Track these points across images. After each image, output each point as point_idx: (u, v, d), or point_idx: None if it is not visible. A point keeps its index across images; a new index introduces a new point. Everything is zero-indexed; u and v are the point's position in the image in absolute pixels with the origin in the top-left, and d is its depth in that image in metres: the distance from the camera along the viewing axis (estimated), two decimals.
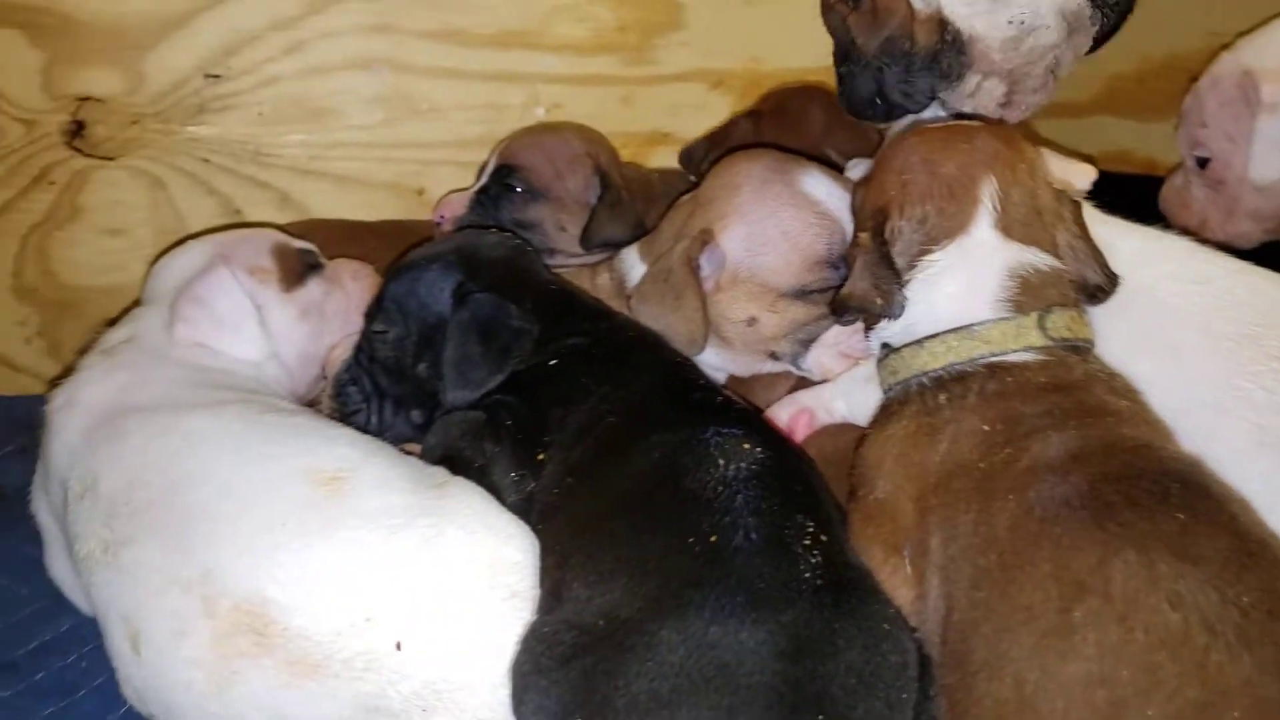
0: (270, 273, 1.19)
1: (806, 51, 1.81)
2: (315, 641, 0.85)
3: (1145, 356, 0.95)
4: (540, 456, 0.98)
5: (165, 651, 0.87)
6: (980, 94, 1.21)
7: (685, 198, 1.26)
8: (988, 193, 0.94)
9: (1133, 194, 1.46)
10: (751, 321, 1.17)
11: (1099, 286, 0.95)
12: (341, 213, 1.66)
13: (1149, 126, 1.68)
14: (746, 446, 0.88)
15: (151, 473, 0.93)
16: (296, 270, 1.22)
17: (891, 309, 0.95)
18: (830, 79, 1.75)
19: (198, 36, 1.52)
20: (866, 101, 1.28)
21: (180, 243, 1.30)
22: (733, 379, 1.28)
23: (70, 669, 1.03)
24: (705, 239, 1.15)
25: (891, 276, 0.95)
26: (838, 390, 1.13)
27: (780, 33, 1.79)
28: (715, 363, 1.24)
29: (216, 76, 1.55)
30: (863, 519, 0.90)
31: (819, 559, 0.80)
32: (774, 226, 1.14)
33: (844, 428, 1.12)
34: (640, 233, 1.38)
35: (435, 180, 1.68)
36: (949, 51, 1.19)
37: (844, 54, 1.31)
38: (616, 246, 1.38)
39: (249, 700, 0.86)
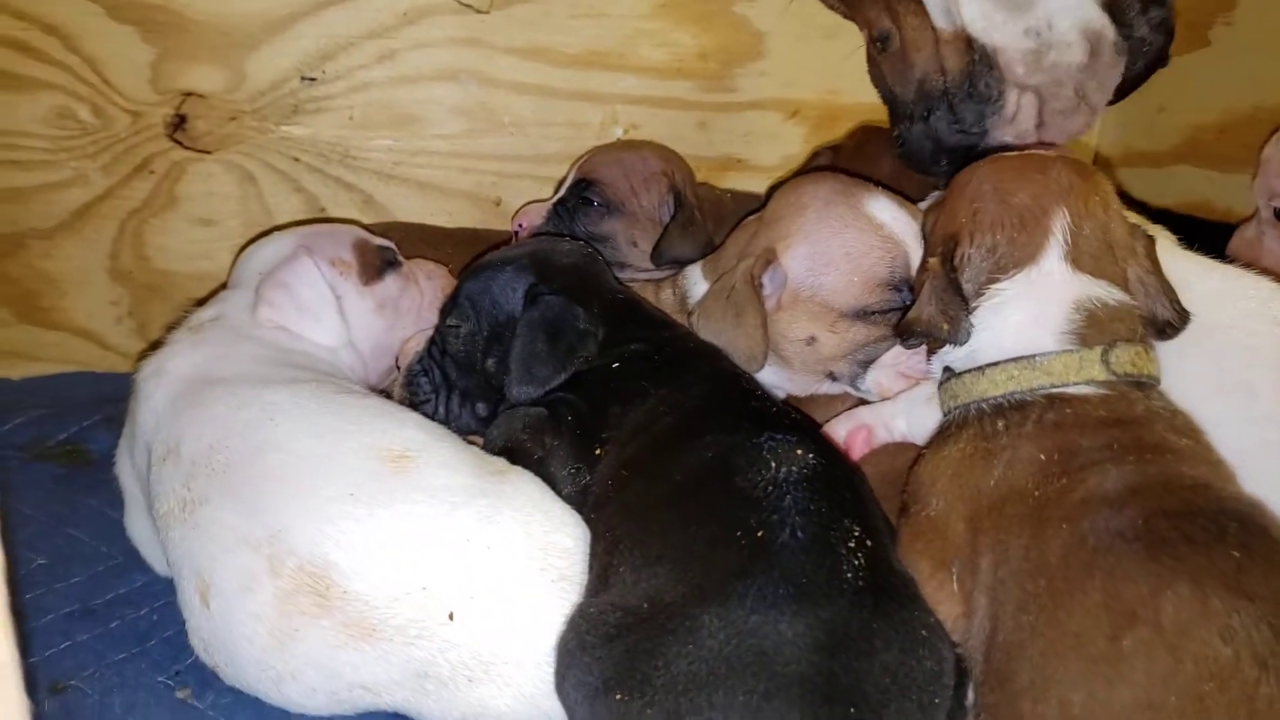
0: (350, 265, 1.25)
1: None
2: (372, 606, 0.89)
3: (1219, 395, 0.95)
4: (597, 452, 1.01)
5: (232, 605, 0.92)
6: (1021, 113, 1.22)
7: (751, 217, 1.29)
8: (1059, 224, 0.95)
9: (1205, 240, 1.47)
10: (811, 341, 1.19)
11: (1168, 323, 0.95)
12: (421, 217, 1.72)
13: (1229, 177, 1.67)
14: (799, 452, 0.90)
15: (231, 438, 0.98)
16: (375, 265, 1.28)
17: (957, 335, 0.96)
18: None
19: (297, 40, 1.59)
20: (928, 158, 1.29)
21: (267, 233, 1.36)
22: (790, 399, 1.30)
23: (143, 620, 1.08)
24: (769, 258, 1.17)
25: (959, 303, 0.96)
26: (899, 409, 1.14)
27: (858, 66, 1.81)
28: (773, 381, 1.26)
29: (312, 79, 1.62)
30: (913, 534, 0.92)
31: (862, 562, 0.81)
32: (837, 247, 1.16)
33: (902, 447, 1.12)
34: (709, 252, 1.41)
35: (512, 192, 1.73)
36: (981, 69, 1.20)
37: (893, 112, 1.32)
38: (685, 264, 1.41)
39: (306, 657, 0.90)
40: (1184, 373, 0.96)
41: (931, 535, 0.90)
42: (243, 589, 0.91)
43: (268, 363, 1.09)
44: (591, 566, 0.92)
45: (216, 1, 1.55)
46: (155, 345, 1.19)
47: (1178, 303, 0.96)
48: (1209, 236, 1.44)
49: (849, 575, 0.80)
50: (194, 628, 0.96)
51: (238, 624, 0.91)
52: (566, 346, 1.10)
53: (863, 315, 1.16)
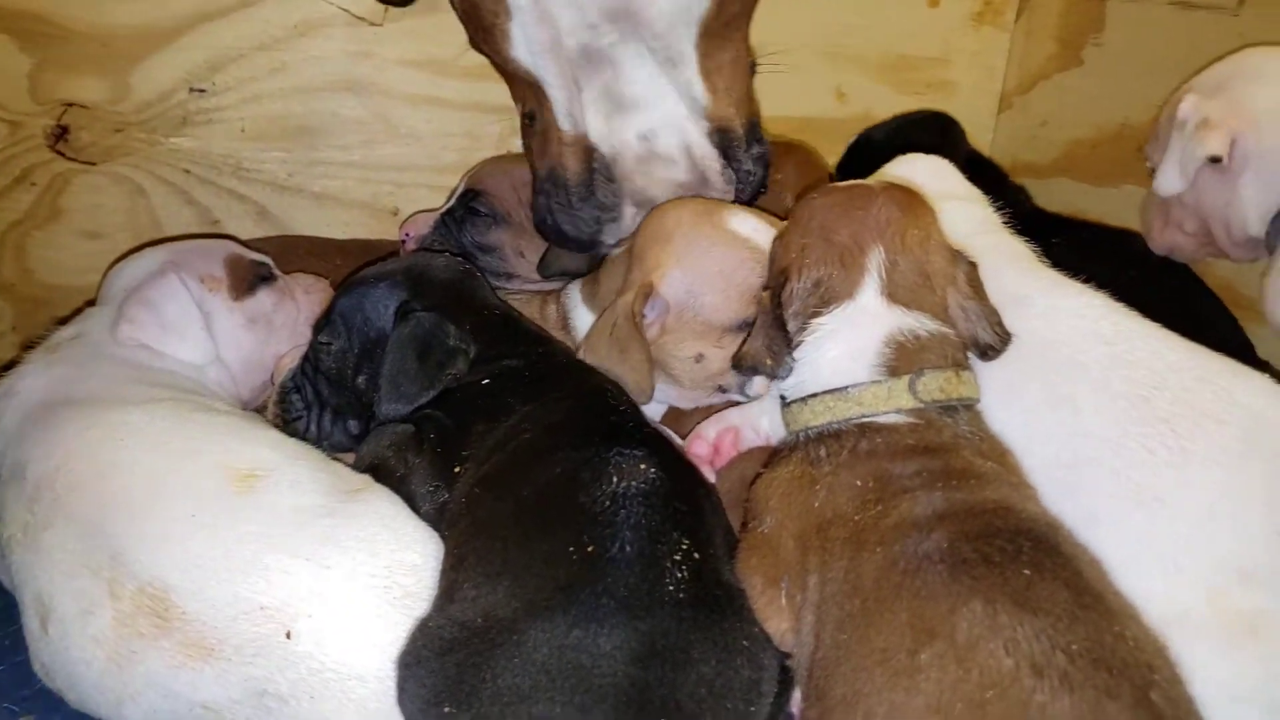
0: (221, 281, 1.24)
1: (780, 99, 1.88)
2: (210, 626, 0.89)
3: (1049, 410, 0.98)
4: (456, 470, 1.02)
5: (71, 630, 0.91)
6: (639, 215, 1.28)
7: (618, 251, 1.30)
8: (874, 261, 0.98)
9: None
10: (699, 358, 1.21)
11: (989, 345, 0.99)
12: (318, 229, 1.72)
13: (1102, 191, 1.73)
14: (643, 467, 0.92)
15: (75, 461, 0.97)
16: (247, 280, 1.28)
17: (779, 370, 0.99)
18: (800, 127, 1.83)
19: (184, 51, 1.58)
20: (554, 239, 1.33)
21: (140, 249, 1.35)
22: (676, 412, 1.32)
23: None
24: (646, 290, 1.18)
25: (782, 339, 0.99)
26: (764, 408, 1.17)
27: (756, 80, 1.85)
28: (666, 399, 1.29)
29: (201, 91, 1.61)
30: (748, 549, 0.94)
31: (686, 575, 0.84)
32: (709, 266, 1.18)
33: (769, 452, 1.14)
34: (595, 265, 1.43)
35: (410, 202, 1.73)
36: (600, 178, 1.25)
37: (533, 184, 1.35)
38: (573, 276, 1.43)
39: (145, 679, 0.90)
40: (1020, 388, 1.00)
41: (764, 551, 0.92)
42: (82, 613, 0.91)
43: (124, 382, 1.08)
44: (440, 582, 0.93)
45: (98, 12, 1.53)
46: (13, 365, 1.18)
47: (999, 325, 0.99)
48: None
49: (671, 588, 0.82)
50: (35, 652, 0.95)
51: (76, 648, 0.91)
52: (435, 363, 1.11)
53: (744, 327, 1.18)
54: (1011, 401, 0.99)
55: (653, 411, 1.30)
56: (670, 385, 1.24)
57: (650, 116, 1.25)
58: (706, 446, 1.17)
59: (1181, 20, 1.58)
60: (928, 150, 1.28)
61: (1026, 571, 0.79)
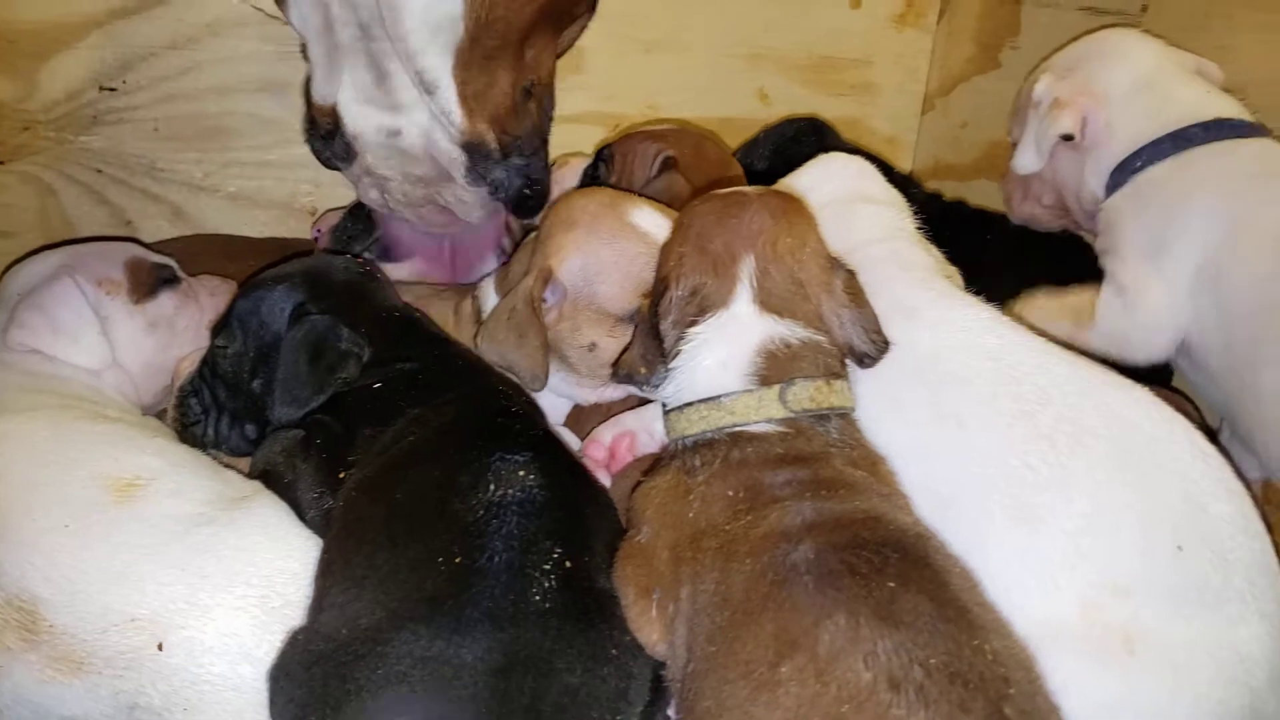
0: (120, 285, 1.23)
1: (700, 100, 1.89)
2: (79, 639, 0.89)
3: (935, 424, 0.98)
4: (341, 475, 1.02)
5: None
6: (360, 186, 1.39)
7: (531, 235, 1.31)
8: (746, 270, 0.97)
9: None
10: (593, 347, 1.22)
11: (865, 353, 0.99)
12: (234, 228, 1.71)
13: None
14: (522, 473, 0.92)
15: None
16: (148, 284, 1.27)
17: (652, 379, 1.00)
18: (721, 128, 1.83)
19: (95, 49, 1.56)
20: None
21: (48, 248, 1.34)
22: (579, 413, 1.33)
23: None
24: (545, 275, 1.19)
25: (656, 348, 1.00)
26: (658, 412, 1.17)
27: (675, 81, 1.86)
28: (564, 390, 1.29)
29: (112, 89, 1.59)
30: (624, 559, 0.94)
31: (555, 584, 0.84)
32: (607, 257, 1.19)
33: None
34: (506, 259, 1.43)
35: (329, 202, 1.72)
36: (340, 144, 1.33)
37: None
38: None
39: (13, 694, 0.89)
40: (906, 400, 1.00)
41: (639, 561, 0.93)
42: None
43: (9, 389, 1.07)
44: (313, 590, 0.93)
45: (3, 8, 1.50)
46: None
47: (876, 333, 0.99)
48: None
49: (537, 598, 0.83)
50: None
51: None
52: (327, 367, 1.11)
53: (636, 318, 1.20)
54: (898, 413, 0.99)
55: (557, 411, 1.31)
56: (568, 374, 1.25)
57: (398, 119, 1.29)
58: (602, 451, 1.17)
59: (1090, 25, 1.61)
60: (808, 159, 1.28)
61: (891, 584, 0.80)
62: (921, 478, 0.95)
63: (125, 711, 0.89)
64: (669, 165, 1.47)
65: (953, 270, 1.20)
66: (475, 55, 1.21)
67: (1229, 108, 1.29)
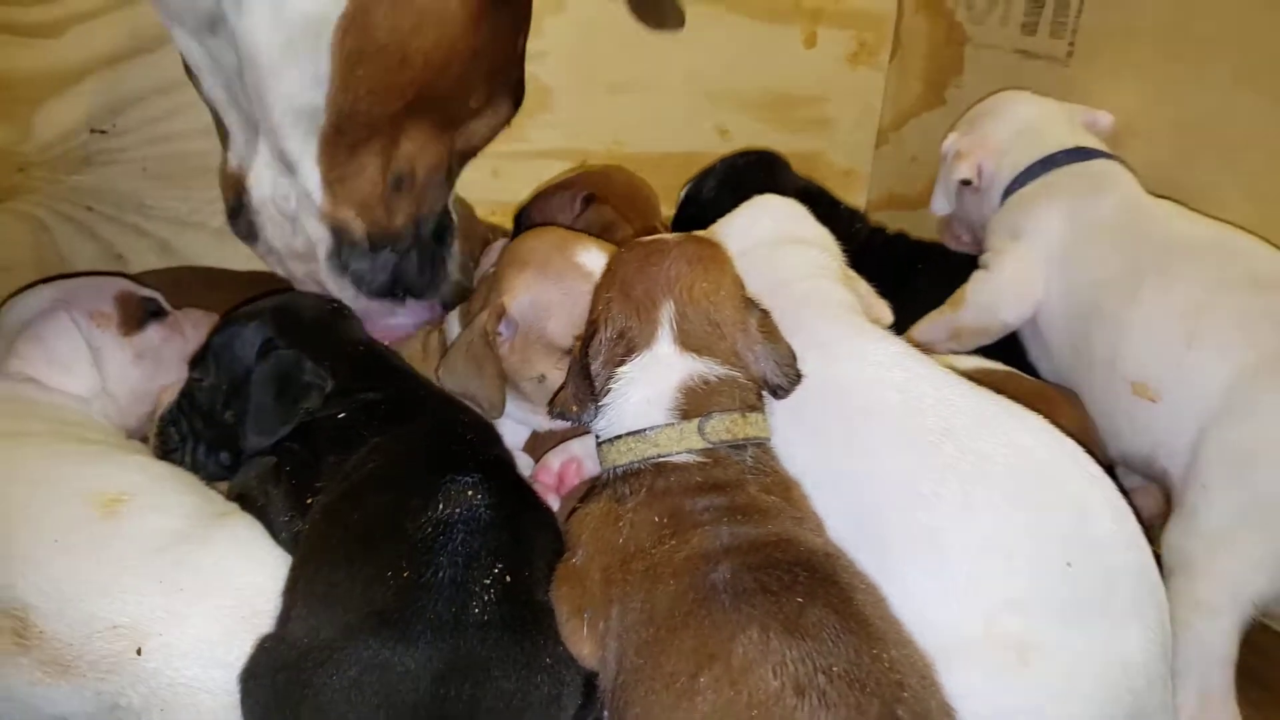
0: (110, 318, 1.32)
1: (663, 137, 1.98)
2: (66, 644, 0.96)
3: (848, 455, 1.05)
4: (309, 500, 1.10)
5: None
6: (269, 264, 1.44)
7: (491, 272, 1.40)
8: (666, 314, 1.05)
9: None
10: (542, 379, 1.30)
11: (779, 385, 1.07)
12: (219, 262, 1.80)
13: None
14: (470, 494, 1.00)
15: None
16: (137, 317, 1.35)
17: (584, 416, 1.08)
18: (684, 162, 1.93)
19: (86, 95, 1.66)
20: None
21: (41, 283, 1.42)
22: (537, 437, 1.41)
23: None
24: (499, 311, 1.28)
25: (587, 387, 1.07)
26: None
27: (640, 118, 1.96)
28: (520, 418, 1.38)
29: (102, 132, 1.68)
30: (560, 579, 1.01)
31: (494, 598, 0.93)
32: (555, 295, 1.27)
33: None
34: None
35: None
36: (243, 211, 1.35)
37: None
38: (449, 307, 1.52)
39: (5, 693, 0.97)
40: (824, 432, 1.07)
41: (573, 583, 1.00)
42: None
43: (4, 415, 1.16)
44: (281, 603, 1.01)
45: (0, 57, 1.61)
46: None
47: (789, 367, 1.07)
48: None
49: (477, 611, 0.91)
50: None
51: None
52: (291, 399, 1.19)
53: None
54: (816, 445, 1.06)
55: (517, 437, 1.39)
56: (522, 402, 1.33)
57: (277, 188, 1.31)
58: (551, 475, 1.25)
59: (1024, 66, 1.72)
60: (758, 189, 1.38)
61: (799, 599, 0.87)
62: (837, 503, 1.02)
63: (107, 711, 0.97)
64: (590, 201, 1.57)
65: (882, 303, 1.29)
66: (341, 143, 1.24)
67: (1088, 139, 1.51)
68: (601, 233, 1.50)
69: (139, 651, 0.96)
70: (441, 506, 0.98)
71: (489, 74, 1.22)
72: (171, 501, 1.07)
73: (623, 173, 1.72)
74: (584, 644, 0.97)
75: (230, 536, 1.06)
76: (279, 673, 0.91)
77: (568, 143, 1.93)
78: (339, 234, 1.33)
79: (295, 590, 0.99)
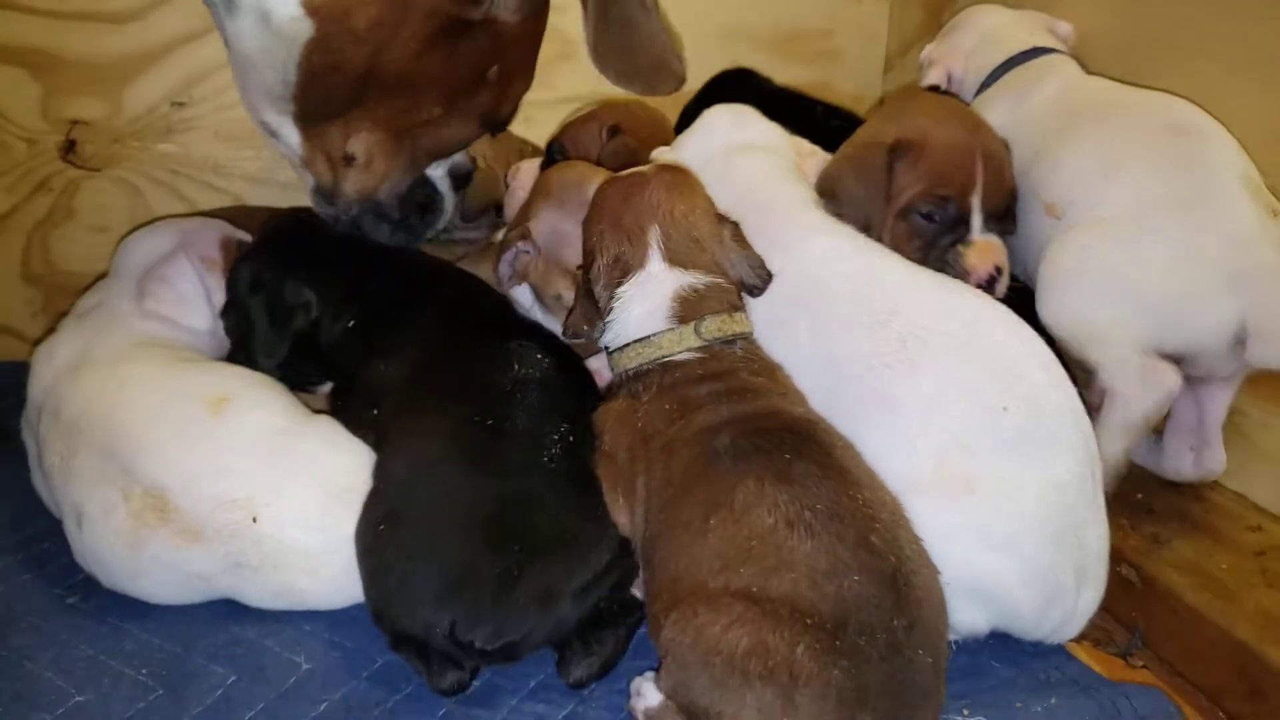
0: (216, 263, 1.54)
1: None
2: (197, 515, 1.20)
3: (812, 340, 1.24)
4: (375, 412, 1.31)
5: (97, 526, 1.23)
6: None
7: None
8: (654, 236, 1.24)
9: None
10: (558, 297, 1.49)
11: (754, 285, 1.26)
12: None
13: None
14: (538, 356, 1.25)
15: (94, 405, 1.29)
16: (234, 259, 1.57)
17: (594, 333, 1.27)
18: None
19: (166, 72, 1.87)
20: None
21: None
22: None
23: (45, 552, 1.38)
24: (523, 233, 1.49)
25: (594, 309, 1.26)
26: None
27: None
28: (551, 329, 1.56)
29: (181, 104, 1.90)
30: (596, 461, 1.22)
31: (559, 451, 1.18)
32: (569, 225, 1.44)
33: None
34: None
35: None
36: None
37: None
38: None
39: (153, 558, 1.21)
40: (791, 323, 1.26)
41: (607, 464, 1.20)
42: (104, 513, 1.22)
43: (132, 344, 1.39)
44: (380, 461, 1.25)
45: (93, 44, 1.82)
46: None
47: (760, 269, 1.25)
48: None
49: (544, 460, 1.16)
50: (74, 548, 1.27)
51: (101, 539, 1.23)
52: (280, 322, 1.42)
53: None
54: (785, 335, 1.26)
55: None
56: (548, 317, 1.52)
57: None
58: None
59: None
60: (733, 98, 1.57)
61: (787, 455, 1.07)
62: (810, 381, 1.22)
63: (232, 569, 1.21)
64: (615, 131, 1.75)
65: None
66: (306, 121, 1.36)
67: (1045, 40, 1.66)
68: (625, 159, 1.68)
69: (254, 520, 1.19)
70: (517, 366, 1.22)
71: (444, 96, 1.36)
72: (267, 399, 1.30)
73: (641, 105, 1.88)
74: (621, 513, 1.18)
75: (318, 430, 1.28)
76: (369, 510, 1.17)
77: (592, 87, 2.06)
78: (321, 190, 1.47)
79: (390, 442, 1.24)
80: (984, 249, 1.43)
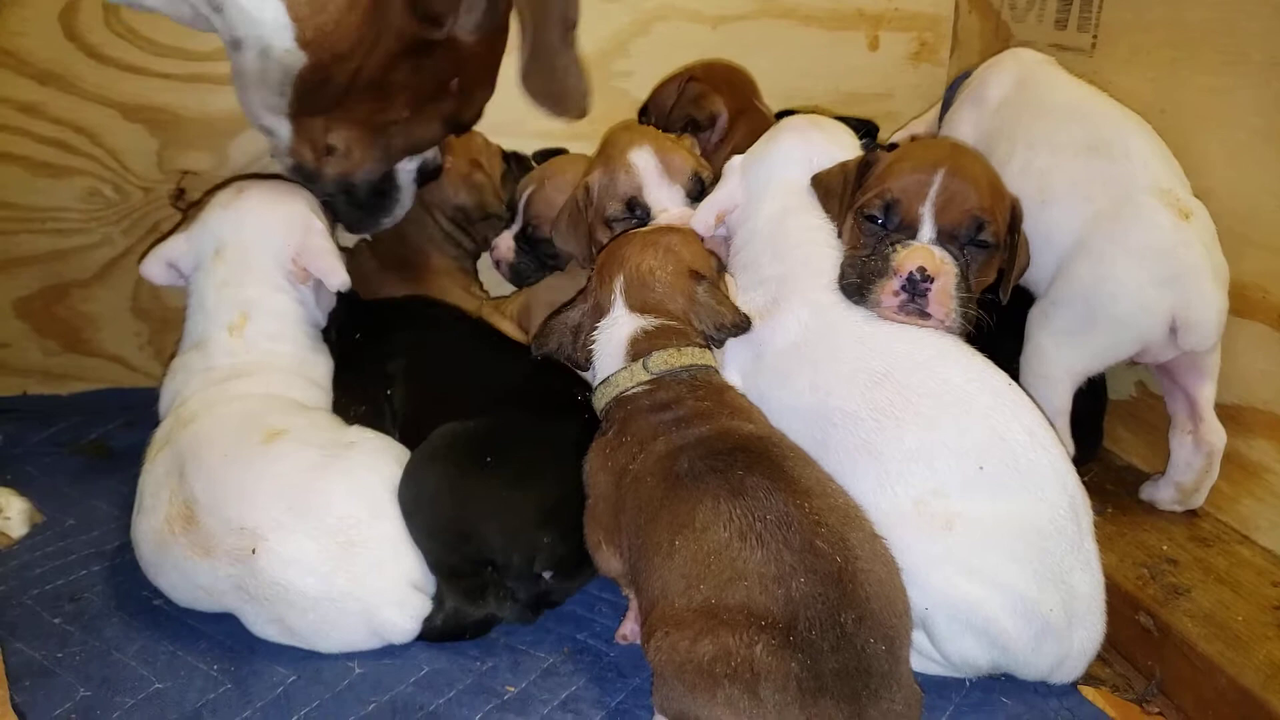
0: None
1: None
2: (211, 534, 1.30)
3: (811, 392, 1.35)
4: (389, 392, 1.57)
5: (143, 520, 1.38)
6: None
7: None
8: (619, 285, 1.38)
9: None
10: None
11: (713, 337, 1.37)
12: None
13: None
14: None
15: (189, 418, 1.43)
16: None
17: (584, 365, 1.42)
18: None
19: None
20: None
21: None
22: None
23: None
24: (586, 185, 1.72)
25: (578, 344, 1.42)
26: None
27: None
28: None
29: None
30: (585, 522, 1.33)
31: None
32: (606, 180, 1.72)
33: None
34: None
35: None
36: None
37: None
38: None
39: (171, 560, 1.34)
40: (794, 375, 1.38)
41: (592, 522, 1.32)
42: (150, 509, 1.37)
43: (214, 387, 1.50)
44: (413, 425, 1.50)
45: (203, 102, 2.03)
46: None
47: (721, 324, 1.37)
48: None
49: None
50: (131, 531, 1.42)
51: (141, 532, 1.38)
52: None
53: (609, 222, 1.70)
54: (787, 385, 1.37)
55: None
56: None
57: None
58: None
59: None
60: None
61: (740, 472, 1.16)
62: (807, 428, 1.31)
63: (235, 590, 1.30)
64: (689, 82, 1.98)
65: None
66: (296, 121, 1.52)
67: None
68: (694, 102, 1.95)
69: (254, 551, 1.28)
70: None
71: (412, 101, 1.52)
72: (312, 435, 1.38)
73: (725, 64, 2.10)
74: (612, 563, 1.29)
75: (343, 470, 1.34)
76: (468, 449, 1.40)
77: None
78: (299, 168, 1.62)
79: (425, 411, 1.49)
80: (914, 251, 1.36)
